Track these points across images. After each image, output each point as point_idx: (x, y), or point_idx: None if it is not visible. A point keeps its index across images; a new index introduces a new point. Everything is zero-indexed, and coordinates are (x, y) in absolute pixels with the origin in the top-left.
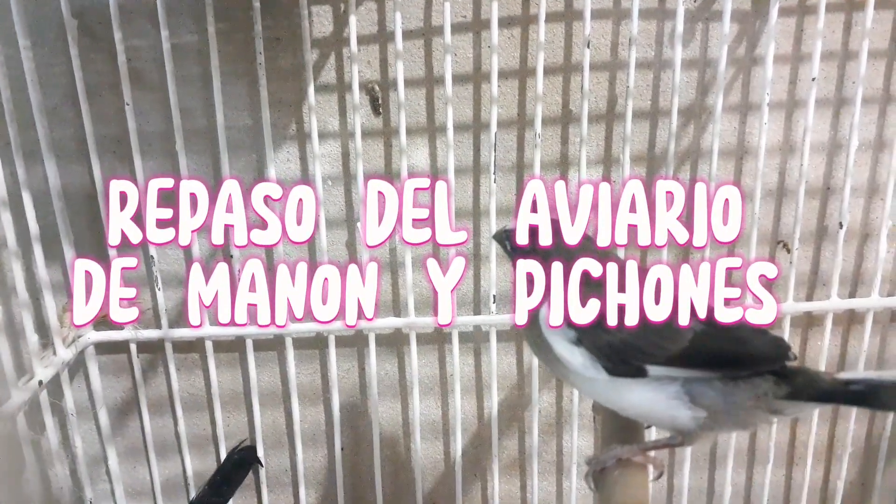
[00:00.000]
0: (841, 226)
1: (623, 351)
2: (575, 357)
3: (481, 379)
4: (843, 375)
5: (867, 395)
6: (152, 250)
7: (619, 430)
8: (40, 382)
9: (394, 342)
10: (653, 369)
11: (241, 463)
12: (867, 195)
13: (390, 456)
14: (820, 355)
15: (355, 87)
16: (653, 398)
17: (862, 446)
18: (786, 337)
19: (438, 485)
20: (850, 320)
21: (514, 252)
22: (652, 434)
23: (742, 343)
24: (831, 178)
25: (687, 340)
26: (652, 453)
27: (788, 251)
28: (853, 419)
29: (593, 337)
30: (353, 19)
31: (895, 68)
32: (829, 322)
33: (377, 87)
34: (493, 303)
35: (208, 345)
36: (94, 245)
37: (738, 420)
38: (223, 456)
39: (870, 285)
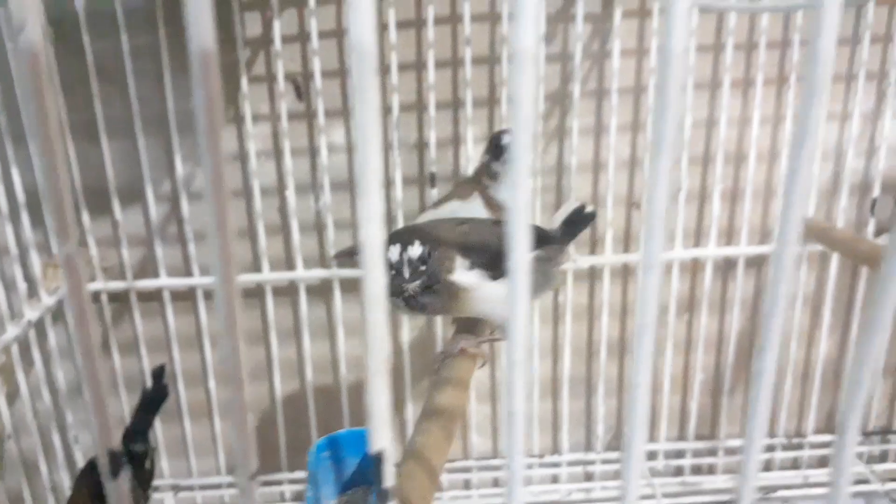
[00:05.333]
0: (679, 188)
1: (495, 260)
2: (471, 277)
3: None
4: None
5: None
6: (118, 215)
7: (465, 330)
8: (29, 322)
9: (322, 291)
10: None
11: (156, 382)
12: (702, 163)
13: (321, 387)
14: (669, 297)
15: (280, 78)
16: (501, 290)
17: (712, 375)
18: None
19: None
20: (693, 268)
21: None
22: None
23: (539, 229)
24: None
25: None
26: (483, 347)
27: (639, 209)
28: (701, 351)
29: (479, 260)
30: (276, 24)
31: (719, 59)
32: (676, 268)
33: (299, 78)
34: None
35: (165, 294)
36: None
37: (546, 287)
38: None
39: (708, 237)
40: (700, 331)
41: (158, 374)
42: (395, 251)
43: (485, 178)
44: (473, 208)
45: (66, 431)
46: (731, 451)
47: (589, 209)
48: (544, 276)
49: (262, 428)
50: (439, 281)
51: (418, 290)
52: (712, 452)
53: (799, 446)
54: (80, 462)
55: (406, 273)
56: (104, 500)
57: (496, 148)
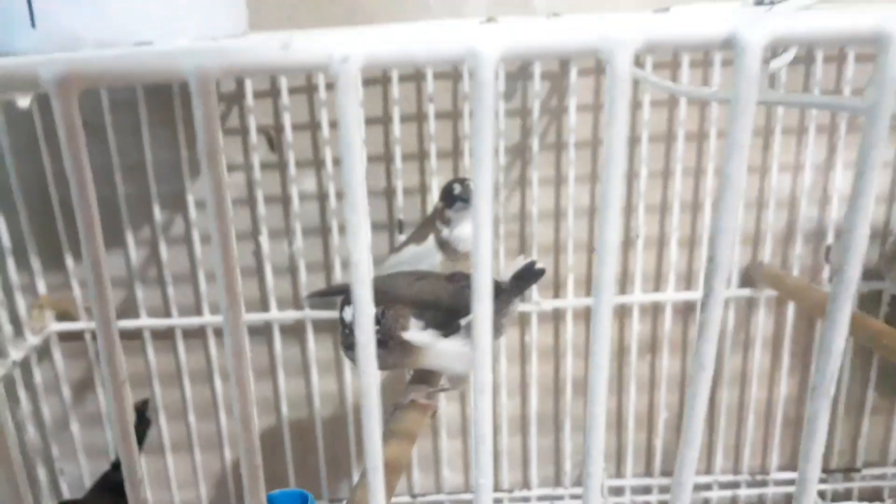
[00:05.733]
0: (637, 236)
1: (447, 319)
2: (424, 336)
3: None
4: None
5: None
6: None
7: (420, 380)
8: (14, 362)
9: (296, 330)
10: (462, 322)
11: (139, 416)
12: (660, 211)
13: (296, 422)
14: (632, 339)
15: (252, 131)
16: (453, 346)
17: (676, 413)
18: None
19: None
20: (654, 310)
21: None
22: None
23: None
24: (630, 199)
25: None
26: (436, 397)
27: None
28: (664, 390)
29: (432, 320)
30: (248, 81)
31: (675, 112)
32: (636, 311)
33: (272, 131)
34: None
35: (146, 333)
36: (54, 255)
37: (496, 336)
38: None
39: (667, 281)
40: (663, 371)
41: (142, 407)
42: (349, 311)
43: (438, 222)
44: (429, 251)
45: (52, 464)
46: (697, 488)
47: (539, 266)
48: (495, 327)
49: (237, 463)
50: (392, 338)
51: None
52: None
53: (763, 483)
54: (66, 492)
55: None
56: None
57: (449, 196)
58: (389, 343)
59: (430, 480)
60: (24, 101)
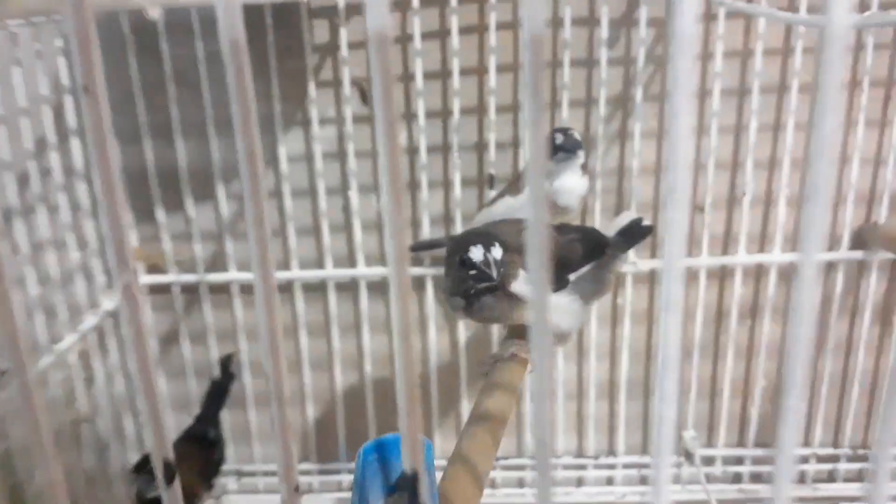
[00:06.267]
0: (745, 193)
1: (554, 274)
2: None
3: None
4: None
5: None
6: (190, 212)
7: (516, 334)
8: (106, 311)
9: (385, 287)
10: (571, 276)
11: (224, 370)
12: (768, 168)
13: (380, 380)
14: (732, 302)
15: (346, 83)
16: (562, 301)
17: (774, 381)
18: (702, 286)
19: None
20: (757, 273)
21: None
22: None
23: (597, 234)
24: (738, 154)
25: (579, 252)
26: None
27: (702, 213)
28: (763, 357)
29: None
30: (343, 31)
31: (788, 63)
32: (739, 274)
33: (365, 83)
34: None
35: (234, 287)
36: (146, 208)
37: (600, 294)
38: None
39: (773, 242)
40: (763, 337)
41: (226, 362)
42: (477, 251)
43: None
44: (525, 204)
45: (138, 416)
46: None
47: (646, 223)
48: (599, 283)
49: (322, 419)
50: (503, 287)
51: (484, 289)
52: (772, 461)
53: (864, 458)
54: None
55: (494, 273)
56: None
57: (550, 146)
58: (496, 293)
59: (511, 444)
60: (154, 12)
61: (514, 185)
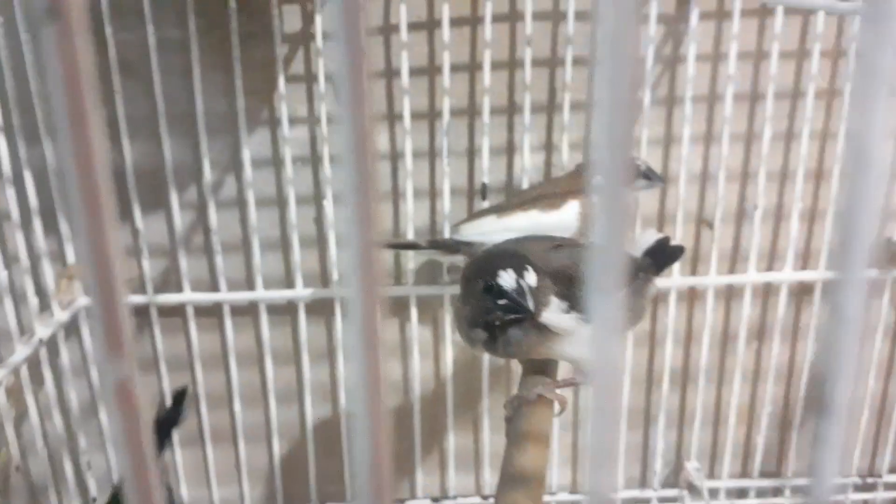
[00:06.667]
0: (756, 207)
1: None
2: (567, 321)
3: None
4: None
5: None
6: (138, 223)
7: (535, 370)
8: (40, 340)
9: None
10: None
11: (175, 405)
12: (780, 180)
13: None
14: (740, 324)
15: (321, 77)
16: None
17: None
18: (709, 307)
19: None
20: (766, 292)
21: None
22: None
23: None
24: (748, 165)
25: None
26: (559, 391)
27: (711, 228)
28: (771, 381)
29: (578, 301)
30: (318, 18)
31: (803, 67)
32: (748, 293)
33: None
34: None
35: (189, 310)
36: None
37: (636, 322)
38: (203, 410)
39: (783, 260)
40: (771, 360)
41: (179, 397)
42: (508, 277)
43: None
44: (563, 222)
45: (79, 456)
46: (797, 491)
47: (674, 243)
48: (634, 310)
49: (291, 457)
50: (532, 317)
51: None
52: (778, 492)
53: (873, 487)
54: (93, 490)
55: (530, 304)
56: None
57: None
58: (524, 324)
59: None
60: None
61: (550, 196)
